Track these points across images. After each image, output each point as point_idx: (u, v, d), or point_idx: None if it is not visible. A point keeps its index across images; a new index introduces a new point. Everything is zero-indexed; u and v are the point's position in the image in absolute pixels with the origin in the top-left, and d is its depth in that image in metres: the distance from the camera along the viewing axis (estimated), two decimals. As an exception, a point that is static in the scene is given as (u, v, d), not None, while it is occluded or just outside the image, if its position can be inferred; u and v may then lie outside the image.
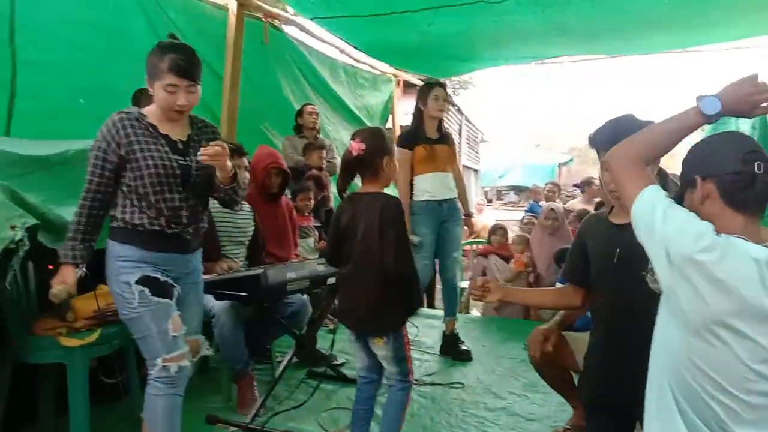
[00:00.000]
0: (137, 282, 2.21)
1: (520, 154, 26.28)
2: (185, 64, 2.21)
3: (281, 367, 3.21)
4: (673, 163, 3.27)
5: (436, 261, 4.36)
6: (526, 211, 8.12)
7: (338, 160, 4.91)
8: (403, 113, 7.46)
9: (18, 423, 2.77)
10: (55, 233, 2.41)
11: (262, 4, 4.73)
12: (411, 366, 2.51)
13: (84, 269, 2.26)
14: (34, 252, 2.28)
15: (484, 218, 9.90)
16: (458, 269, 4.41)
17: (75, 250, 2.19)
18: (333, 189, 5.07)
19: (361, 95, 6.92)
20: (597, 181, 4.32)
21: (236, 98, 4.43)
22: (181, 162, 2.29)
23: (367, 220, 2.39)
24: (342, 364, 3.93)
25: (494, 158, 22.36)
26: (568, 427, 2.96)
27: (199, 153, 2.25)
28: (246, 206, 3.69)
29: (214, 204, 2.64)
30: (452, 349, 4.30)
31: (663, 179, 3.18)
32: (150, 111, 2.32)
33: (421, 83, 5.21)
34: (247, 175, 3.83)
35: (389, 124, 7.65)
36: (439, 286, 4.88)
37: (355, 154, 2.43)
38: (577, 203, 7.36)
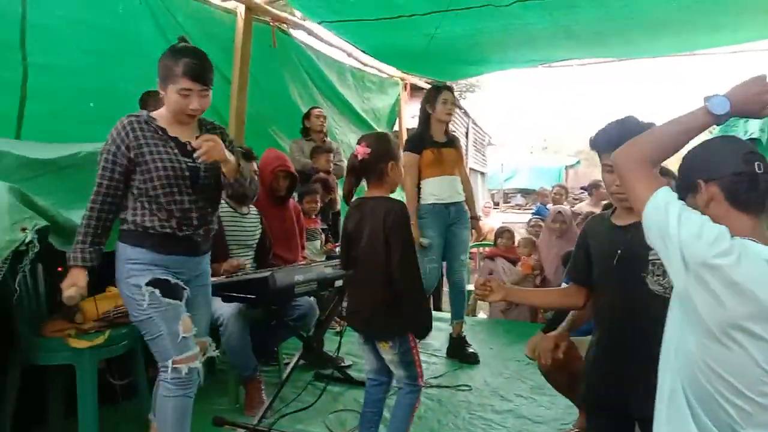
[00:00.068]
0: (147, 284, 2.21)
1: (527, 157, 26.28)
2: (200, 68, 2.22)
3: (288, 369, 3.23)
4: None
5: (444, 264, 4.37)
6: (533, 213, 8.09)
7: (345, 163, 4.92)
8: (410, 116, 7.46)
9: (27, 424, 2.79)
10: (64, 236, 2.43)
11: (270, 9, 4.75)
12: (420, 370, 2.50)
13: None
14: (43, 254, 2.30)
15: (491, 221, 9.90)
16: (465, 272, 4.41)
17: (85, 253, 2.19)
18: (340, 192, 5.08)
19: (368, 98, 6.93)
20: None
21: (244, 102, 4.45)
22: (190, 164, 2.29)
23: (371, 225, 2.41)
24: (349, 366, 3.94)
25: (501, 161, 22.33)
26: (575, 429, 2.95)
27: (195, 155, 2.24)
28: (253, 209, 3.70)
29: (222, 207, 2.65)
30: (459, 352, 4.30)
31: (665, 176, 3.16)
32: (159, 114, 2.34)
33: (428, 86, 5.21)
34: (256, 178, 3.84)
35: (396, 128, 7.66)
36: (446, 289, 4.88)
37: (360, 158, 2.44)
38: (584, 206, 7.33)
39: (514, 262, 5.65)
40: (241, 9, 4.41)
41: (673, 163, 1.89)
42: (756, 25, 4.59)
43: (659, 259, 1.94)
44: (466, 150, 14.16)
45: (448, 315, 4.68)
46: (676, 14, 4.22)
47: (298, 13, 5.26)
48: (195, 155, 2.24)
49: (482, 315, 6.28)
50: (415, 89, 7.82)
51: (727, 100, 1.46)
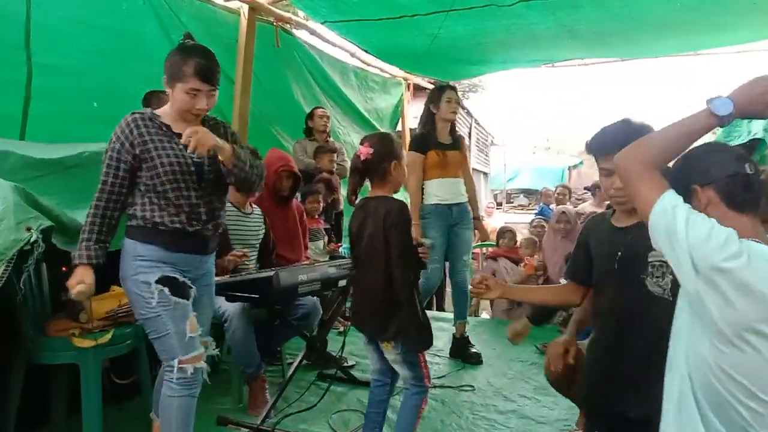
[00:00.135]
0: (157, 282, 2.20)
1: (530, 157, 26.22)
2: (209, 69, 2.22)
3: (292, 369, 3.22)
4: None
5: (446, 264, 4.37)
6: (536, 214, 8.09)
7: (348, 163, 4.92)
8: (413, 116, 7.47)
9: (31, 423, 2.80)
10: (68, 236, 2.43)
11: (274, 9, 4.76)
12: (427, 371, 2.48)
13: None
14: (48, 254, 2.30)
15: (494, 221, 9.89)
16: (468, 272, 4.41)
17: (90, 250, 2.17)
18: (343, 192, 5.08)
19: (371, 98, 6.94)
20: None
21: (247, 102, 4.46)
22: (195, 159, 2.28)
23: (373, 225, 2.41)
24: (352, 366, 3.94)
25: (504, 161, 22.31)
26: (578, 429, 2.94)
27: (188, 150, 2.18)
28: (257, 209, 3.71)
29: (225, 207, 2.64)
30: (462, 352, 4.29)
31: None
32: (163, 111, 2.33)
33: (431, 86, 5.22)
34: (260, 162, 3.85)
35: (399, 128, 7.66)
36: (449, 289, 4.88)
37: (363, 158, 2.45)
38: (587, 206, 7.32)
39: (516, 263, 5.65)
40: (244, 9, 4.42)
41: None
42: (759, 25, 4.59)
43: (659, 261, 1.95)
44: (469, 150, 14.15)
45: (451, 315, 4.69)
46: (679, 14, 4.22)
47: (301, 13, 5.27)
48: (188, 150, 2.18)
49: (485, 315, 6.28)
50: (417, 89, 7.83)
51: (730, 101, 1.45)
